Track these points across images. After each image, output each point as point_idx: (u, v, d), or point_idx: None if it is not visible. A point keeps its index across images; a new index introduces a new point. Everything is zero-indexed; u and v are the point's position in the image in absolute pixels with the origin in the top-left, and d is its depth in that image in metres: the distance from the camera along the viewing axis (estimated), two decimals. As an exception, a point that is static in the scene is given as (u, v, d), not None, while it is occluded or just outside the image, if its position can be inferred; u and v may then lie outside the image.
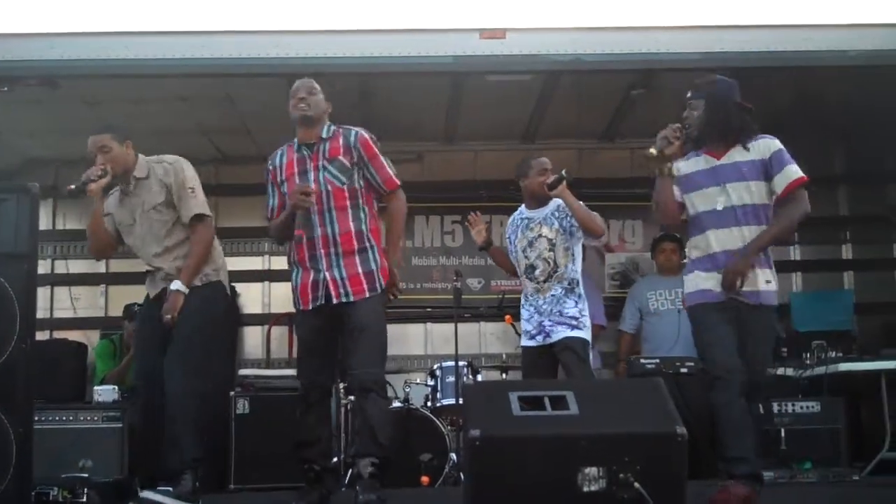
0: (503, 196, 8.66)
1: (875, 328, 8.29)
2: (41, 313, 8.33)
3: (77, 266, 8.70)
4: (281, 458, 6.69)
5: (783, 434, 6.03)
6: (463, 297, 7.13)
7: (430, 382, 7.01)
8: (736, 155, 4.63)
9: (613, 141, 8.65)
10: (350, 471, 5.72)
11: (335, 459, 6.67)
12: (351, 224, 4.71)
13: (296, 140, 4.91)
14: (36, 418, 5.88)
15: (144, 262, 5.13)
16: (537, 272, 5.57)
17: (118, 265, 8.63)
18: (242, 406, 6.85)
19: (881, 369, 6.21)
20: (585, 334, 5.49)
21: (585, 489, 3.49)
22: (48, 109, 7.08)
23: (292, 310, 8.37)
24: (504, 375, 7.49)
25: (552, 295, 5.52)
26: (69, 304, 8.59)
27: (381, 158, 4.88)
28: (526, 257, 5.66)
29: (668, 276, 7.52)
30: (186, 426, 4.83)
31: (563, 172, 5.49)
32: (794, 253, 8.99)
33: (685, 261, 4.83)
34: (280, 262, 8.73)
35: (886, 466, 5.99)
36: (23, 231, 3.83)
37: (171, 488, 4.67)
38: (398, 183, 4.89)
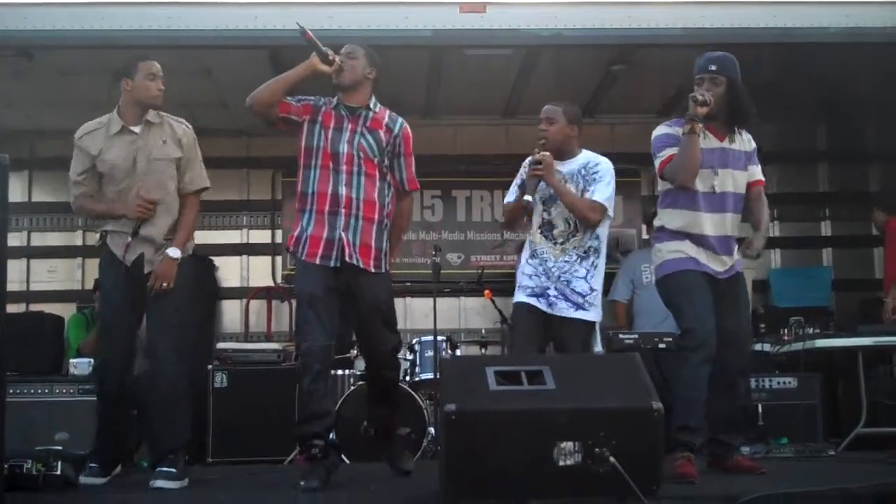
0: (483, 171, 8.69)
1: (853, 305, 8.35)
2: (17, 286, 8.31)
3: (53, 239, 8.64)
4: (259, 432, 6.71)
5: (760, 410, 6.06)
6: (442, 271, 7.11)
7: (409, 357, 7.02)
8: (736, 142, 4.78)
9: (594, 116, 8.61)
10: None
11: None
12: (376, 196, 4.69)
13: (336, 99, 4.81)
14: (11, 391, 5.90)
15: (118, 225, 4.75)
16: (556, 231, 4.96)
17: (95, 238, 8.57)
18: (221, 379, 6.85)
19: (858, 346, 6.24)
20: (593, 315, 4.94)
21: (561, 463, 3.50)
22: (24, 80, 7.02)
23: (270, 283, 8.51)
24: (483, 350, 7.51)
25: (565, 260, 4.93)
26: (45, 276, 8.54)
27: (412, 157, 4.91)
28: (546, 211, 5.00)
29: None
30: (182, 404, 4.76)
31: (536, 154, 4.99)
32: (774, 229, 9.00)
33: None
34: (258, 236, 8.74)
35: (862, 442, 6.04)
36: (-7, 203, 3.76)
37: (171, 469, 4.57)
38: (418, 186, 4.98)
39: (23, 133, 8.39)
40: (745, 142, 4.83)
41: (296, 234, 4.68)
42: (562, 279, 4.93)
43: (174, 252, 4.71)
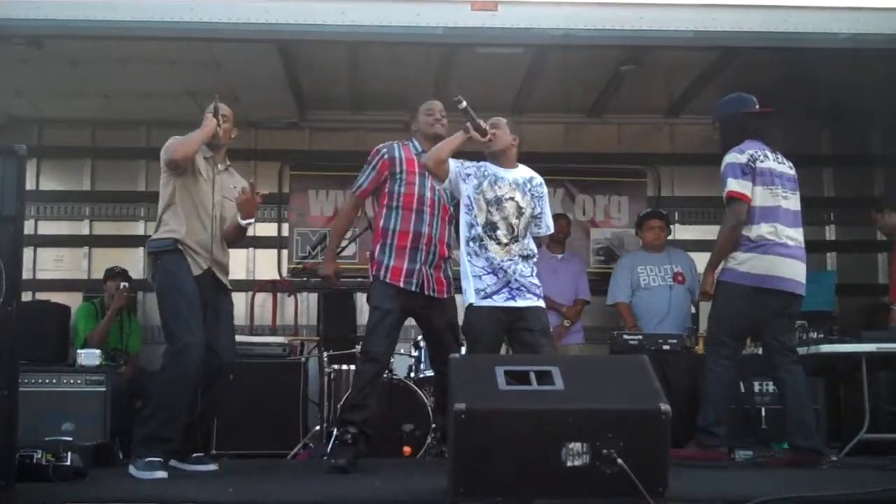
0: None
1: (857, 310, 8.35)
2: (24, 275, 8.29)
3: (61, 227, 8.65)
4: (264, 425, 6.73)
5: (763, 413, 6.07)
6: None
7: (414, 353, 7.04)
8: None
9: (601, 116, 8.65)
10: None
11: (317, 428, 6.73)
12: (447, 237, 5.41)
13: (417, 144, 5.46)
14: (19, 381, 5.92)
15: (194, 230, 5.09)
16: (499, 232, 5.13)
17: (102, 227, 8.60)
18: (225, 372, 6.84)
19: (862, 351, 6.24)
20: (542, 302, 5.28)
21: (569, 464, 3.51)
22: (34, 69, 7.03)
23: (276, 276, 8.52)
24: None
25: (510, 259, 5.13)
26: (52, 265, 8.55)
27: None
28: (489, 211, 5.16)
29: (655, 252, 7.55)
30: None
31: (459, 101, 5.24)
32: (779, 233, 9.01)
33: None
34: (264, 229, 8.73)
35: (864, 448, 6.05)
36: (10, 193, 3.78)
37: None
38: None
39: (31, 121, 8.40)
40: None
41: (381, 261, 5.35)
42: (518, 272, 5.15)
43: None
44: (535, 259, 5.28)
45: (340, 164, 8.73)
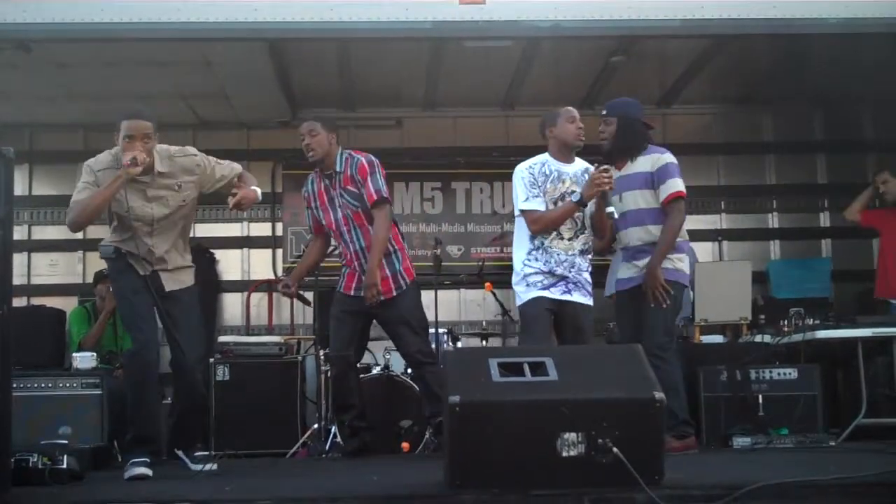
0: (482, 162, 8.71)
1: (851, 295, 8.36)
2: (18, 280, 8.30)
3: (54, 232, 8.64)
4: (261, 424, 6.72)
5: (760, 400, 6.07)
6: (443, 264, 7.13)
7: (410, 349, 7.01)
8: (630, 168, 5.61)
9: (593, 108, 8.59)
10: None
11: (315, 426, 6.72)
12: (370, 234, 5.67)
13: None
14: (14, 385, 5.88)
15: (134, 245, 4.96)
16: (563, 228, 5.37)
17: (96, 231, 8.56)
18: (222, 373, 6.85)
19: (858, 336, 6.25)
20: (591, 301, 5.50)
21: (565, 454, 3.51)
22: (23, 73, 7.00)
23: (271, 276, 8.51)
24: (484, 342, 7.52)
25: (572, 254, 5.38)
26: (47, 270, 8.54)
27: (370, 178, 5.66)
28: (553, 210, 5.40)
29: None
30: None
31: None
32: (773, 220, 9.04)
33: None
34: (259, 229, 8.74)
35: (862, 433, 6.05)
36: (-2, 196, 3.77)
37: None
38: (377, 197, 5.64)
39: (22, 126, 8.38)
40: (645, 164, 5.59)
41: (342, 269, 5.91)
42: (574, 268, 5.37)
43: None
44: (590, 254, 5.50)
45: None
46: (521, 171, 5.45)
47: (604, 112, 5.74)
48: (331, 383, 5.96)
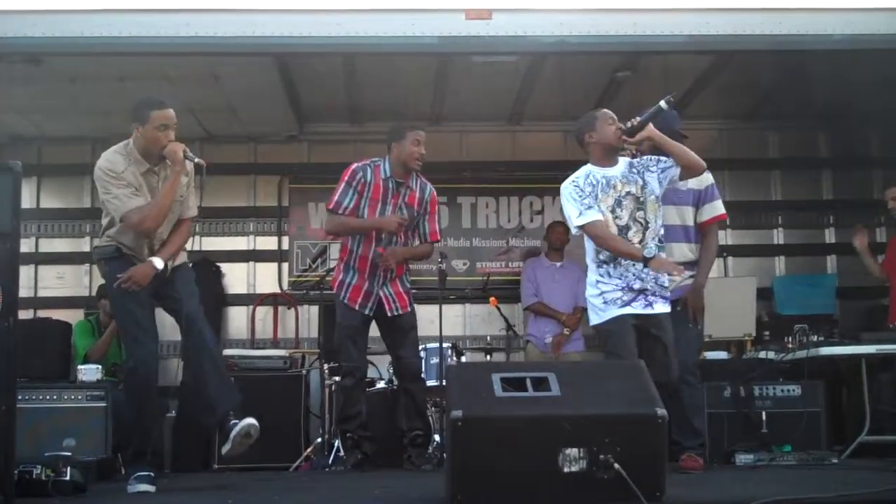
0: (489, 178, 8.73)
1: (857, 312, 8.34)
2: (25, 292, 8.34)
3: (61, 245, 8.68)
4: (265, 438, 6.68)
5: (764, 417, 6.06)
6: (448, 278, 7.13)
7: (415, 363, 7.02)
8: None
9: (599, 123, 8.65)
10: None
11: (318, 440, 6.73)
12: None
13: (387, 167, 5.88)
14: (20, 397, 5.89)
15: (137, 243, 4.96)
16: (630, 233, 5.00)
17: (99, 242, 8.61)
18: (227, 386, 6.84)
19: (862, 353, 6.25)
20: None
21: (566, 470, 3.52)
22: (33, 87, 7.05)
23: (277, 290, 8.53)
24: (488, 357, 7.52)
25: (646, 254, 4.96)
26: (54, 283, 8.57)
27: (437, 215, 6.05)
28: (617, 217, 5.03)
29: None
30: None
31: (662, 102, 4.87)
32: (778, 237, 9.03)
33: None
34: (265, 243, 8.75)
35: (865, 450, 6.04)
36: (5, 209, 3.80)
37: None
38: (439, 238, 6.11)
39: (31, 139, 8.43)
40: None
41: (342, 280, 6.00)
42: (651, 277, 4.98)
43: (158, 262, 4.91)
44: (664, 245, 5.11)
45: (339, 177, 8.75)
46: (567, 188, 5.12)
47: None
48: (341, 393, 6.07)
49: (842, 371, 6.82)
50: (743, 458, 5.71)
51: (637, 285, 4.97)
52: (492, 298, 7.63)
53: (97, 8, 6.02)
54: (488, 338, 7.87)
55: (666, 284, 5.00)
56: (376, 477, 5.41)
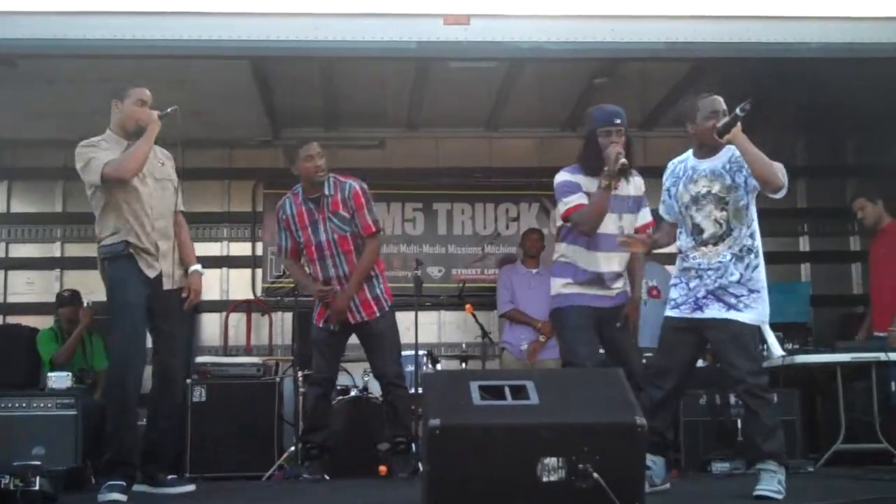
0: (465, 184, 8.70)
1: (831, 320, 8.36)
2: (-7, 298, 8.24)
3: (32, 250, 8.56)
4: (238, 447, 6.64)
5: (739, 425, 6.04)
6: (423, 285, 7.10)
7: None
8: (626, 188, 5.20)
9: (576, 130, 8.59)
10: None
11: (292, 448, 6.67)
12: (354, 262, 5.81)
13: (300, 191, 5.86)
14: (-13, 405, 5.83)
15: (142, 232, 4.90)
16: (706, 235, 4.61)
17: (74, 249, 8.51)
18: (199, 394, 6.77)
19: (837, 361, 6.25)
20: (750, 317, 4.53)
21: (545, 479, 3.47)
22: (7, 89, 6.94)
23: (250, 296, 8.45)
24: (463, 365, 7.48)
25: (719, 261, 4.57)
26: (24, 288, 8.45)
27: (366, 208, 5.85)
28: (690, 216, 4.67)
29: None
30: None
31: (738, 110, 4.40)
32: (753, 245, 9.03)
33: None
34: (238, 249, 8.67)
35: (840, 458, 6.04)
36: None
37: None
38: (374, 229, 5.88)
39: (4, 142, 8.31)
40: (636, 187, 5.28)
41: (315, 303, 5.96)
42: (714, 281, 4.58)
43: (200, 267, 5.20)
44: (752, 261, 4.67)
45: (314, 182, 8.70)
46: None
47: (618, 121, 5.14)
48: (309, 404, 6.05)
49: (816, 379, 6.83)
50: (719, 467, 5.71)
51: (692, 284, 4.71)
52: (467, 305, 7.59)
53: (68, 11, 5.95)
54: (464, 345, 7.83)
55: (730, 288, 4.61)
56: (352, 486, 5.36)
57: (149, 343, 5.10)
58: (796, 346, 6.57)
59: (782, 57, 6.30)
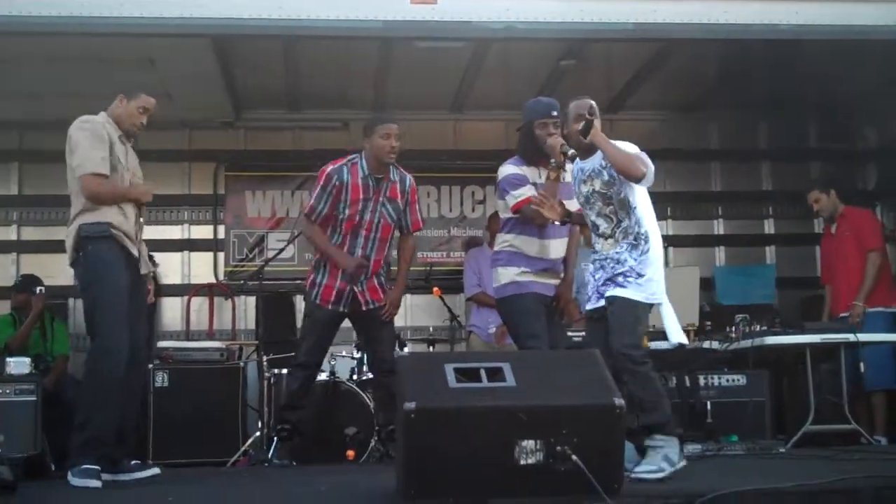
0: (430, 166, 8.61)
1: (795, 302, 8.42)
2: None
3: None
4: (201, 432, 6.54)
5: (709, 407, 6.05)
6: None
7: (357, 355, 6.89)
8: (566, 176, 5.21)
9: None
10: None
11: (257, 434, 6.59)
12: (384, 254, 5.84)
13: (364, 164, 5.68)
14: (-58, 391, 5.68)
15: (122, 215, 4.87)
16: (601, 229, 4.77)
17: (31, 233, 8.34)
18: (161, 379, 6.66)
19: (806, 343, 6.26)
20: (633, 293, 4.57)
21: (523, 462, 3.41)
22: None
23: (212, 280, 8.33)
24: (431, 348, 7.42)
25: (617, 252, 4.68)
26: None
27: (418, 204, 5.98)
28: (587, 214, 4.87)
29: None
30: None
31: (587, 113, 4.63)
32: (718, 227, 9.08)
33: None
34: (200, 231, 8.54)
35: (810, 439, 6.06)
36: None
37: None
38: (420, 227, 6.05)
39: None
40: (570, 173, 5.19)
41: (315, 279, 5.85)
42: (610, 269, 4.68)
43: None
44: (644, 247, 4.64)
45: (277, 165, 8.60)
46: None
47: (554, 113, 5.25)
48: (295, 384, 5.85)
49: (784, 361, 6.84)
50: (690, 449, 5.66)
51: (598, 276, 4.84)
52: (435, 289, 7.52)
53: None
54: (431, 328, 7.76)
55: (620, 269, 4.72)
56: (319, 472, 5.28)
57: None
58: (764, 328, 6.56)
59: (749, 38, 6.28)
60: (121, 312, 4.73)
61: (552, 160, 5.05)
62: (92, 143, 4.83)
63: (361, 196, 5.66)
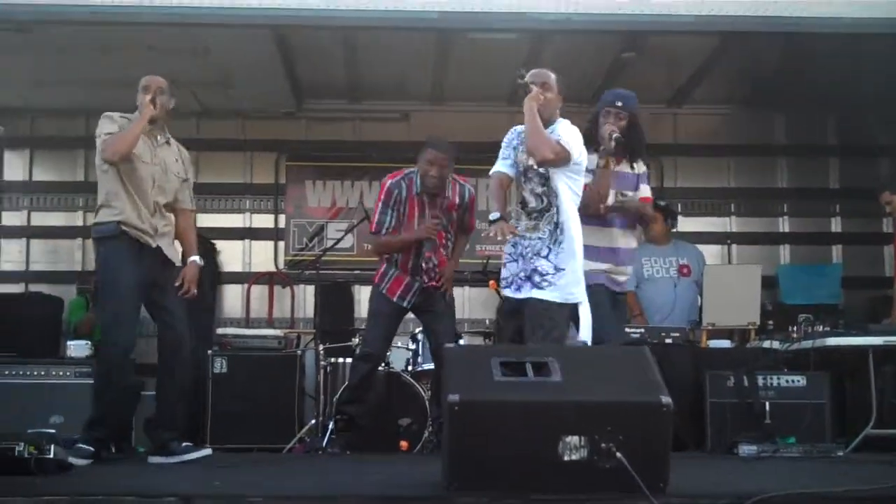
0: (489, 158, 8.54)
1: (863, 303, 8.21)
2: (16, 266, 8.23)
3: (54, 219, 8.53)
4: (258, 419, 6.60)
5: (768, 408, 5.93)
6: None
7: (412, 346, 6.91)
8: (631, 167, 5.49)
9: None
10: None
11: (312, 422, 6.63)
12: (443, 254, 5.86)
13: (418, 181, 5.76)
14: (6, 373, 5.83)
15: (137, 212, 4.95)
16: (529, 206, 4.88)
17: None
18: (220, 365, 6.72)
19: (869, 345, 6.10)
20: (551, 294, 4.72)
21: (566, 458, 3.38)
22: (23, 58, 6.89)
23: (272, 268, 8.40)
24: (487, 341, 7.39)
25: (538, 237, 4.82)
26: (45, 257, 8.42)
27: (475, 210, 6.05)
28: (523, 185, 4.96)
29: (660, 244, 7.37)
30: None
31: (517, 76, 4.90)
32: (783, 225, 8.90)
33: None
34: (261, 220, 8.62)
35: (870, 443, 5.91)
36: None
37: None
38: (474, 227, 6.15)
39: (23, 111, 8.28)
40: (637, 164, 5.51)
41: (385, 272, 5.92)
42: (529, 259, 4.84)
43: (199, 259, 5.25)
44: (560, 237, 4.81)
45: (338, 155, 8.63)
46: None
47: (619, 104, 5.39)
48: (357, 376, 5.93)
49: (846, 362, 6.68)
50: (746, 450, 5.58)
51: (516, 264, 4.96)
52: (491, 282, 7.47)
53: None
54: (487, 321, 7.73)
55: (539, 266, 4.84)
56: (371, 461, 5.30)
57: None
58: (827, 328, 6.42)
59: (812, 32, 6.15)
60: (120, 314, 4.89)
61: (601, 147, 5.18)
62: (101, 125, 4.98)
63: (417, 213, 5.78)
